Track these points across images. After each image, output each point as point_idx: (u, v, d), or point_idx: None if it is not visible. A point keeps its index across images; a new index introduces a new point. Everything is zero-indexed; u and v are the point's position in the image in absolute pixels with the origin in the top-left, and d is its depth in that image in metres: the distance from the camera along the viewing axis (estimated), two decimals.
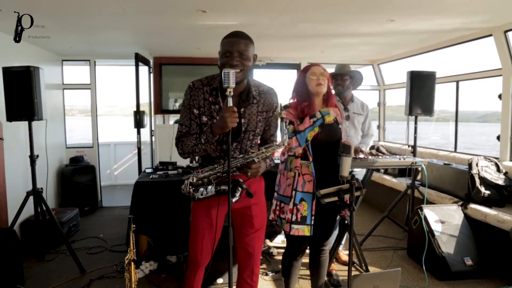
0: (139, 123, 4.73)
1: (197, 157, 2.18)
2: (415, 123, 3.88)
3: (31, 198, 3.27)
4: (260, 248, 2.14)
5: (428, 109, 3.78)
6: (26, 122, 3.18)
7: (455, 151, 4.40)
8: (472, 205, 3.39)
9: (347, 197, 2.15)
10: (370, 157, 3.25)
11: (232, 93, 1.68)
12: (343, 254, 3.51)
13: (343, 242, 3.25)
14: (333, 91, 3.35)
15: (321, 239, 2.41)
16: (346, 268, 3.13)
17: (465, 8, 2.99)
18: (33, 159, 3.22)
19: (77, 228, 4.35)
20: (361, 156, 3.16)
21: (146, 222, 3.32)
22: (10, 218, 3.43)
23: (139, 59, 4.74)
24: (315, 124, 2.23)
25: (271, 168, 2.06)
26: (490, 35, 3.65)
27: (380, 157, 3.46)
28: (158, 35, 4.17)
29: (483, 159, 3.55)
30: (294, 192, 2.26)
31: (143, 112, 4.91)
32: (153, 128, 5.57)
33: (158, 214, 3.35)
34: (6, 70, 3.08)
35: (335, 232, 3.08)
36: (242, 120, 1.88)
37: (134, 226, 2.26)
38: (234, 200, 1.78)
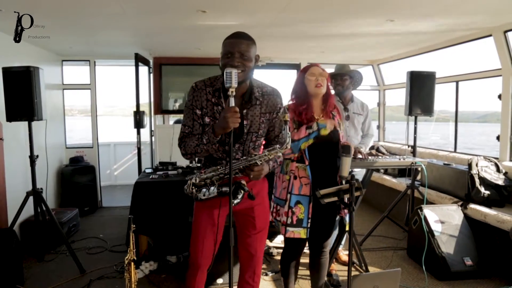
0: (139, 123, 4.73)
1: (197, 158, 2.18)
2: (415, 123, 3.88)
3: (31, 198, 3.27)
4: (262, 249, 2.13)
5: (428, 109, 3.78)
6: (26, 122, 3.18)
7: (455, 151, 4.41)
8: (472, 205, 3.39)
9: (346, 197, 2.15)
10: (370, 157, 3.25)
11: (234, 93, 1.68)
12: (343, 254, 3.51)
13: (343, 242, 3.25)
14: (332, 91, 3.37)
15: (321, 240, 2.41)
16: (346, 268, 3.12)
17: (464, 8, 2.99)
18: (33, 159, 3.22)
19: (77, 228, 4.35)
20: (359, 157, 3.16)
21: (146, 222, 3.32)
22: (10, 218, 3.43)
23: (139, 59, 4.74)
24: (310, 136, 2.22)
25: (275, 169, 2.07)
26: (490, 35, 3.65)
27: (380, 157, 3.45)
28: (158, 35, 4.17)
29: (483, 159, 3.55)
30: (289, 195, 2.27)
31: (143, 112, 4.91)
32: (153, 128, 5.57)
33: (158, 214, 3.35)
34: (6, 70, 3.08)
35: (335, 232, 3.08)
36: (245, 122, 1.87)
37: (134, 226, 2.26)
38: (235, 202, 1.78)
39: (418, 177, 4.17)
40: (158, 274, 3.22)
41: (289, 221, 2.26)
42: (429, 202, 3.82)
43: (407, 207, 3.88)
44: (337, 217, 2.42)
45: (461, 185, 3.55)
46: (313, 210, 2.28)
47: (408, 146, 3.94)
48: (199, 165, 3.78)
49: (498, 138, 3.73)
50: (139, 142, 4.73)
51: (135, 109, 4.73)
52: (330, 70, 3.55)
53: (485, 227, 3.25)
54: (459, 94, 4.30)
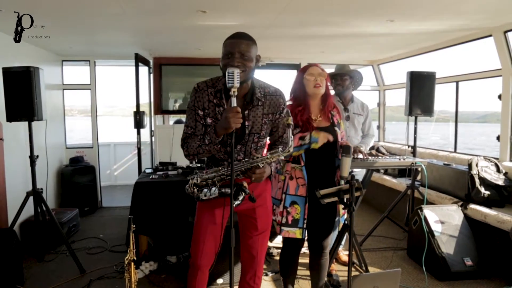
0: (139, 124, 4.73)
1: (197, 159, 2.18)
2: (415, 123, 3.88)
3: (31, 198, 3.27)
4: (263, 251, 2.13)
5: (428, 110, 3.78)
6: (26, 123, 3.17)
7: (455, 151, 4.41)
8: (472, 206, 3.39)
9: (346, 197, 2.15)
10: (370, 157, 3.25)
11: (236, 93, 1.67)
12: (343, 254, 3.51)
13: (343, 242, 3.25)
14: (332, 92, 3.37)
15: (320, 240, 2.41)
16: (346, 268, 3.12)
17: (464, 9, 2.99)
18: (33, 159, 3.22)
19: (77, 229, 4.35)
20: (360, 156, 3.16)
21: (146, 222, 3.32)
22: (10, 218, 3.43)
23: (139, 60, 4.74)
24: (301, 147, 2.22)
25: (277, 170, 2.07)
26: (490, 36, 3.65)
27: (380, 157, 3.46)
28: (158, 36, 4.17)
29: (483, 160, 3.55)
30: (284, 195, 2.27)
31: (143, 112, 4.91)
32: (153, 129, 5.57)
33: (158, 214, 3.35)
34: (6, 71, 3.08)
35: (335, 233, 3.08)
36: (246, 123, 1.86)
37: (134, 226, 2.26)
38: (235, 203, 1.77)
39: (418, 177, 4.17)
40: (158, 274, 3.22)
41: (283, 220, 2.27)
42: (429, 202, 3.82)
43: (407, 207, 3.88)
44: (336, 218, 2.42)
45: (461, 185, 3.55)
46: (309, 211, 2.28)
47: (408, 147, 3.93)
48: (199, 165, 3.78)
49: (498, 138, 3.73)
50: (139, 142, 4.73)
51: (135, 109, 4.73)
52: (330, 70, 3.56)
53: (485, 227, 3.25)
54: (459, 94, 4.30)
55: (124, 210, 5.10)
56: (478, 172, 3.44)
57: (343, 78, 3.26)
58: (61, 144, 5.34)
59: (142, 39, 4.42)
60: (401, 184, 4.36)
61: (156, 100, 5.46)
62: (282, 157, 1.89)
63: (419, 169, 3.59)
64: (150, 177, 3.54)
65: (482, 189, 3.37)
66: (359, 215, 4.83)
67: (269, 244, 3.75)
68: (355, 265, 3.33)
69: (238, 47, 1.77)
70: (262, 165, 1.81)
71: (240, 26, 3.54)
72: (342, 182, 2.33)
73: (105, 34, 4.04)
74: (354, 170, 3.22)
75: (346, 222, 2.48)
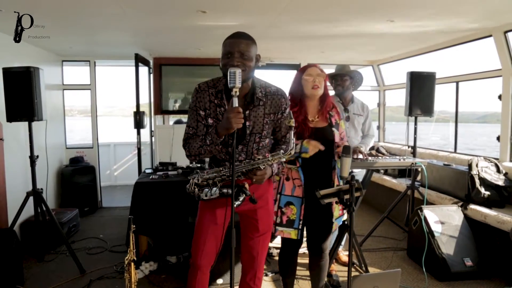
0: (139, 124, 4.73)
1: (197, 159, 2.18)
2: (415, 123, 3.88)
3: (31, 198, 3.27)
4: (264, 252, 2.12)
5: (428, 110, 3.78)
6: (26, 123, 3.18)
7: (455, 151, 4.41)
8: (472, 206, 3.39)
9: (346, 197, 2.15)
10: (369, 157, 3.25)
11: (238, 93, 1.67)
12: (343, 254, 3.51)
13: (343, 242, 3.25)
14: (332, 92, 3.37)
15: (319, 243, 2.40)
16: (346, 268, 3.12)
17: (464, 9, 2.99)
18: (33, 159, 3.22)
19: (77, 229, 4.35)
20: (360, 156, 3.16)
21: (146, 222, 3.32)
22: (10, 218, 3.43)
23: (139, 60, 4.74)
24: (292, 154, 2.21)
25: (279, 171, 2.06)
26: (490, 36, 3.65)
27: (380, 157, 3.46)
28: (158, 36, 4.17)
29: (483, 160, 3.55)
30: (279, 195, 2.28)
31: (143, 112, 4.91)
32: (153, 129, 5.57)
33: (158, 214, 3.35)
34: (6, 71, 3.08)
35: (335, 233, 3.08)
36: (247, 123, 1.86)
37: (134, 226, 2.26)
38: (236, 203, 1.77)
39: (418, 178, 4.17)
40: (158, 274, 3.22)
41: (278, 220, 2.28)
42: (429, 203, 3.82)
43: (407, 208, 3.88)
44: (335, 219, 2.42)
45: (461, 186, 3.55)
46: (305, 212, 2.27)
47: (408, 147, 3.93)
48: (199, 165, 3.78)
49: (498, 138, 3.73)
50: (139, 142, 4.73)
51: (135, 110, 4.73)
52: (330, 70, 3.56)
53: (485, 227, 3.25)
54: (459, 95, 4.30)
55: (124, 210, 5.09)
56: (478, 173, 3.44)
57: (343, 78, 3.26)
58: (61, 144, 5.34)
59: (142, 39, 4.42)
60: (401, 184, 4.36)
61: (156, 100, 5.46)
62: (284, 159, 1.89)
63: (419, 169, 3.58)
64: (150, 177, 3.54)
65: (482, 190, 3.37)
66: (359, 215, 4.83)
67: (269, 244, 3.74)
68: (355, 265, 3.33)
69: (238, 46, 1.76)
70: (263, 166, 1.81)
71: (240, 26, 3.53)
72: (341, 182, 2.33)
73: (105, 34, 4.04)
74: (354, 170, 3.22)
75: (346, 222, 2.48)
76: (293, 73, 2.42)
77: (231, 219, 1.65)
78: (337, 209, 2.36)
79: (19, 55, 3.93)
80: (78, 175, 5.12)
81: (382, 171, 4.98)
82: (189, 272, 2.03)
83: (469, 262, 3.12)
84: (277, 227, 2.29)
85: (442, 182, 3.84)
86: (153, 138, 5.59)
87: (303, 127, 2.25)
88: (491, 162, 3.55)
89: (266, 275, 3.20)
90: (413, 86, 3.76)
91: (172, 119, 6.39)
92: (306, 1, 2.86)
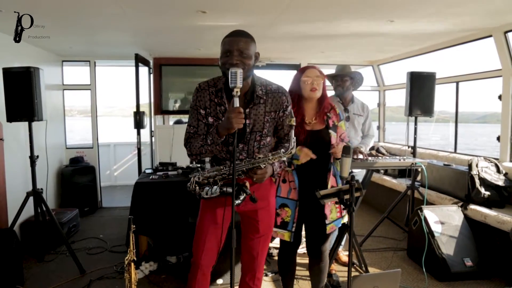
0: (139, 124, 4.73)
1: (198, 159, 2.18)
2: (415, 124, 3.88)
3: (31, 198, 3.27)
4: (264, 252, 2.12)
5: (428, 110, 3.78)
6: (26, 123, 3.18)
7: (455, 152, 4.41)
8: (472, 206, 3.39)
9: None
10: (369, 158, 3.25)
11: (238, 93, 1.67)
12: (343, 255, 3.51)
13: (343, 243, 3.26)
14: (332, 92, 3.37)
15: (317, 245, 2.39)
16: (346, 269, 3.12)
17: (464, 9, 2.99)
18: (33, 159, 3.22)
19: (77, 229, 4.35)
20: (360, 156, 3.16)
21: (146, 222, 3.32)
22: (10, 218, 3.43)
23: (139, 60, 4.74)
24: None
25: (282, 169, 2.06)
26: (490, 36, 3.65)
27: (380, 158, 3.46)
28: (158, 36, 4.17)
29: (483, 160, 3.55)
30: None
31: (143, 112, 4.91)
32: (153, 129, 5.57)
33: (158, 214, 3.35)
34: (6, 71, 3.08)
35: (335, 233, 3.08)
36: (247, 121, 1.85)
37: (134, 226, 2.26)
38: (236, 202, 1.77)
39: (418, 178, 4.17)
40: (158, 274, 3.22)
41: None
42: (429, 203, 3.82)
43: (407, 208, 3.88)
44: (327, 221, 2.40)
45: (461, 186, 3.55)
46: (300, 215, 2.27)
47: (408, 147, 3.93)
48: (199, 165, 3.78)
49: (498, 138, 3.73)
50: (139, 142, 4.73)
51: (135, 110, 4.73)
52: (331, 71, 3.56)
53: (485, 228, 3.25)
54: (459, 95, 4.30)
55: (124, 210, 5.09)
56: (478, 173, 3.44)
57: (344, 79, 3.26)
58: (61, 144, 5.34)
59: (142, 40, 4.42)
60: (401, 184, 4.36)
61: (156, 100, 5.46)
62: (284, 158, 1.88)
63: (419, 169, 3.58)
64: (150, 177, 3.54)
65: (482, 190, 3.37)
66: (359, 215, 4.83)
67: (269, 244, 3.74)
68: (355, 265, 3.33)
69: (237, 44, 1.75)
70: (264, 165, 1.80)
71: (240, 26, 3.49)
72: (340, 183, 2.33)
73: (105, 34, 4.04)
74: (354, 170, 3.22)
75: (346, 223, 2.48)
76: (293, 73, 2.41)
77: (232, 218, 1.65)
78: (334, 211, 2.35)
79: (19, 55, 3.93)
80: (78, 175, 5.12)
81: (382, 171, 4.98)
82: (190, 272, 2.03)
83: (469, 262, 3.12)
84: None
85: (442, 182, 3.84)
86: (153, 138, 5.59)
87: (299, 129, 2.22)
88: (491, 162, 3.55)
89: (266, 275, 3.20)
90: (413, 86, 3.76)
91: (172, 119, 6.39)
92: (306, 1, 2.85)
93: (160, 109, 5.50)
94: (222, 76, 1.87)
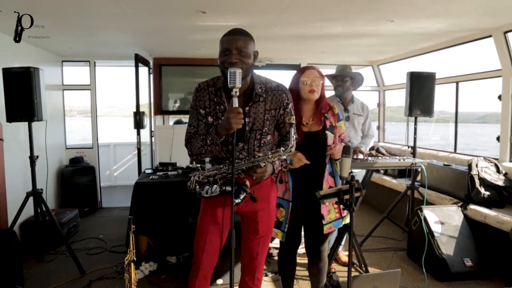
0: (139, 124, 4.73)
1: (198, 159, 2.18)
2: (415, 124, 3.88)
3: (31, 198, 3.27)
4: (263, 253, 2.11)
5: (427, 110, 3.78)
6: (26, 123, 3.18)
7: (455, 152, 4.41)
8: (472, 206, 3.39)
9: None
10: (369, 158, 3.25)
11: (237, 93, 1.66)
12: (343, 255, 3.50)
13: (342, 243, 3.26)
14: (332, 92, 3.37)
15: (314, 245, 2.40)
16: (346, 269, 3.12)
17: (464, 9, 3.00)
18: (33, 159, 3.22)
19: (77, 229, 4.35)
20: (361, 156, 3.16)
21: (146, 223, 3.32)
22: (10, 218, 3.43)
23: (139, 60, 4.74)
24: None
25: (283, 168, 2.06)
26: (490, 36, 3.65)
27: (379, 158, 3.45)
28: (158, 36, 4.17)
29: (482, 160, 3.55)
30: None
31: (143, 113, 4.91)
32: (153, 129, 5.57)
33: (158, 215, 3.35)
34: (6, 71, 3.08)
35: (335, 233, 3.08)
36: (247, 120, 1.85)
37: (134, 227, 2.26)
38: (236, 201, 1.77)
39: (418, 178, 4.17)
40: (158, 274, 3.22)
41: None
42: (429, 203, 3.82)
43: (407, 208, 3.88)
44: (324, 222, 2.40)
45: (461, 186, 3.55)
46: (294, 216, 2.26)
47: (408, 147, 3.94)
48: (199, 165, 3.78)
49: (498, 139, 3.73)
50: (139, 142, 4.73)
51: (135, 110, 4.73)
52: (331, 71, 3.56)
53: (485, 228, 3.25)
54: (459, 95, 4.30)
55: (124, 210, 5.10)
56: (478, 173, 3.44)
57: (344, 79, 3.25)
58: (61, 144, 5.34)
59: (142, 40, 4.42)
60: (401, 184, 4.36)
61: (156, 100, 5.46)
62: (284, 157, 1.88)
63: (419, 169, 3.58)
64: (150, 177, 3.54)
65: (482, 190, 3.37)
66: (359, 215, 4.84)
67: (269, 244, 3.74)
68: (355, 265, 3.33)
69: (236, 43, 1.74)
70: (264, 164, 1.80)
71: (240, 26, 3.45)
72: (339, 183, 2.33)
73: (105, 35, 4.04)
74: (354, 170, 3.22)
75: (346, 223, 2.48)
76: (293, 73, 2.41)
77: (231, 218, 1.65)
78: (333, 212, 2.34)
79: (19, 55, 3.93)
80: (78, 176, 5.12)
81: (382, 171, 4.98)
82: (190, 272, 2.02)
83: (469, 262, 3.12)
84: None
85: (442, 182, 3.84)
86: (153, 138, 5.58)
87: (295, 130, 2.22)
88: (491, 162, 3.55)
89: (266, 275, 3.20)
90: (413, 86, 3.76)
91: (172, 119, 6.39)
92: (306, 1, 2.86)
93: (160, 109, 5.50)
94: (221, 75, 1.87)
